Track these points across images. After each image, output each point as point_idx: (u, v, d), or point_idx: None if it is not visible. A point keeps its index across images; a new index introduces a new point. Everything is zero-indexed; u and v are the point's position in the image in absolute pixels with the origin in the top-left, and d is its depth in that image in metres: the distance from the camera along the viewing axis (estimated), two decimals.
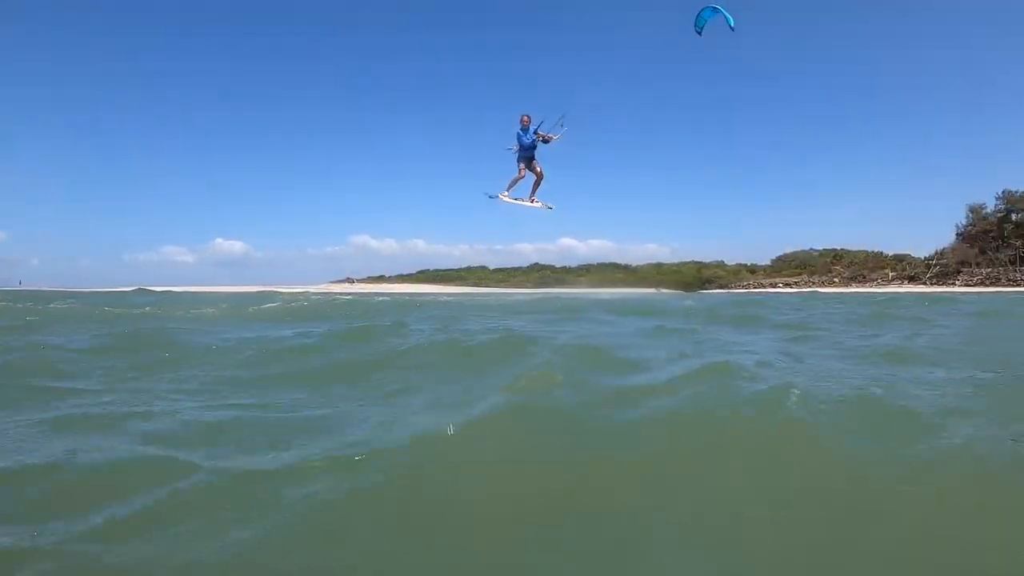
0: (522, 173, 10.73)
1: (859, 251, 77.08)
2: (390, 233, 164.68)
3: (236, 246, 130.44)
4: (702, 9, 9.17)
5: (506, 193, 10.98)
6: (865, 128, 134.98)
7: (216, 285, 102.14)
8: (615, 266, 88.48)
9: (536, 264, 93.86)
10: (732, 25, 8.95)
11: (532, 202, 11.20)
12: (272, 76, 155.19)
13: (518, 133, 10.40)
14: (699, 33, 9.34)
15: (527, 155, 10.56)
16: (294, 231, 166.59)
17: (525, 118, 10.40)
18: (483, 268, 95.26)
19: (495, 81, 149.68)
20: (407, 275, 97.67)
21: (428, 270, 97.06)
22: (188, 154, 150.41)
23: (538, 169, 10.78)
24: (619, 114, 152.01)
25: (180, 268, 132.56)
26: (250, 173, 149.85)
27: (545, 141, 10.39)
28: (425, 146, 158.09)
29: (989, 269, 71.20)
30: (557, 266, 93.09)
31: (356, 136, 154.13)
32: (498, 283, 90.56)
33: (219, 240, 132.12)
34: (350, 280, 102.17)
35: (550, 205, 11.34)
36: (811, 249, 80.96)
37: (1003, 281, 69.45)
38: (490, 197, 11.10)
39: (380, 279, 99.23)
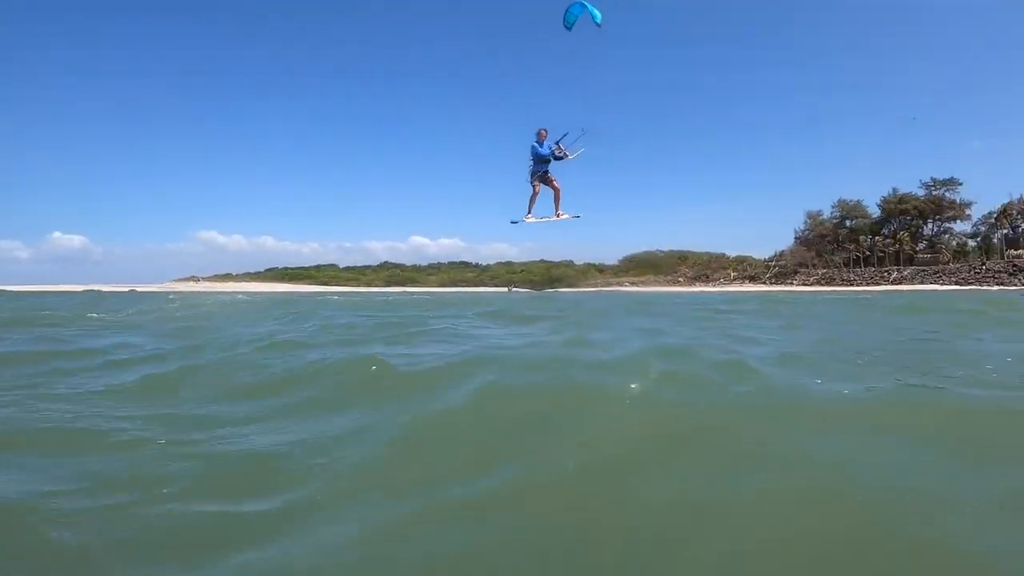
0: (537, 190, 10.46)
1: (703, 252, 76.17)
2: (239, 229, 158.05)
3: (75, 241, 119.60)
4: (571, 5, 8.89)
5: (529, 215, 10.88)
6: (712, 140, 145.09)
7: (51, 283, 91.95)
8: (465, 265, 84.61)
9: (386, 263, 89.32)
10: (598, 22, 8.82)
11: (559, 216, 10.97)
12: (108, 59, 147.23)
13: (534, 145, 10.07)
14: (568, 29, 9.10)
15: (542, 170, 10.23)
16: (138, 225, 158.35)
17: (543, 131, 10.11)
18: (333, 267, 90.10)
19: (344, 69, 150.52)
20: (256, 273, 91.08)
21: (277, 268, 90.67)
22: (20, 140, 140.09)
23: (555, 184, 10.46)
24: (468, 115, 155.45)
25: (14, 265, 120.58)
26: (92, 161, 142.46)
27: (559, 158, 10.02)
28: (277, 137, 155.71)
29: (824, 270, 71.64)
30: (407, 264, 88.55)
31: (204, 125, 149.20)
32: (347, 282, 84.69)
33: (57, 234, 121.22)
34: (196, 278, 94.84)
35: (577, 214, 11.32)
36: (658, 250, 79.83)
37: (837, 281, 70.28)
38: (514, 223, 11.22)
39: (227, 277, 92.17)
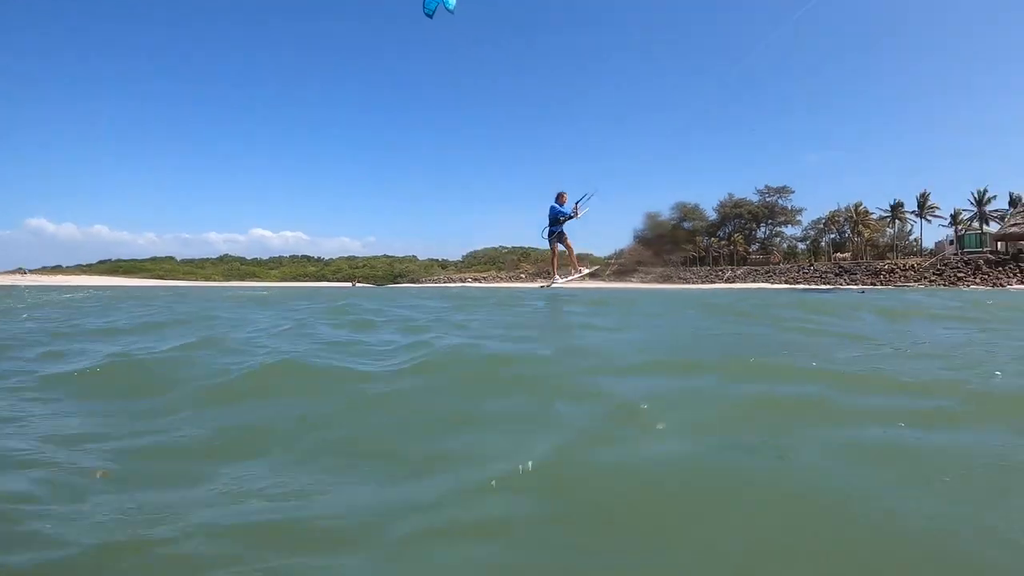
0: (556, 250, 10.94)
1: (545, 249, 74.72)
2: (71, 217, 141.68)
3: None
4: None
5: (559, 279, 11.83)
6: (549, 146, 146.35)
7: None
8: (307, 259, 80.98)
9: (226, 255, 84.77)
10: (451, 8, 8.97)
11: (581, 271, 12.03)
12: None
13: (555, 206, 10.60)
14: (429, 16, 9.19)
15: (559, 230, 10.70)
16: None
17: (563, 195, 10.62)
18: (170, 259, 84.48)
19: (177, 48, 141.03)
20: (88, 265, 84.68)
21: (111, 260, 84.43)
22: None
23: (568, 241, 10.89)
24: (315, 102, 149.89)
25: None
26: None
27: (574, 215, 10.62)
28: (112, 117, 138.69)
29: (663, 268, 71.17)
30: (248, 258, 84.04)
31: (31, 103, 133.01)
32: (185, 276, 79.66)
33: None
34: (21, 271, 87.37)
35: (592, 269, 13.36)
36: (501, 246, 78.35)
37: (674, 279, 69.81)
38: (544, 287, 13.20)
39: (57, 270, 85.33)
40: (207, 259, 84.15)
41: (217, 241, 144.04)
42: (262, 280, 75.62)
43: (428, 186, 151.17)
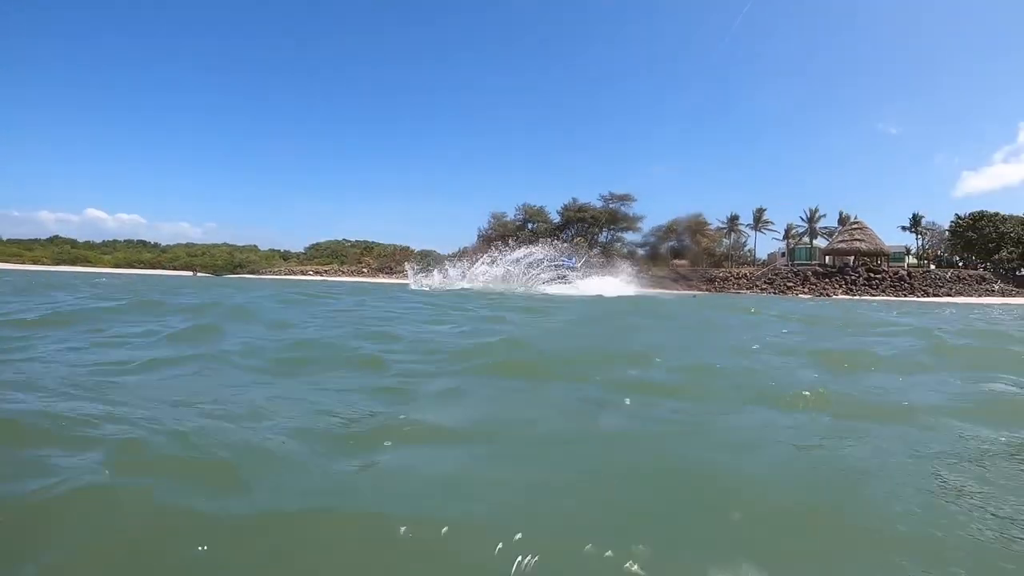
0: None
1: (388, 244, 74.02)
2: None
3: None
4: None
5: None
6: (396, 139, 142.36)
7: None
8: (144, 244, 77.38)
9: (56, 237, 79.99)
10: None
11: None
12: None
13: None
14: None
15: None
16: None
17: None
18: None
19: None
20: None
21: None
22: None
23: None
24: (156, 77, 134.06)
25: None
26: None
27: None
28: None
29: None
30: (80, 240, 79.57)
31: None
32: (10, 258, 74.80)
33: None
34: None
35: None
36: (344, 240, 76.90)
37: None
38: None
39: None
40: (36, 240, 78.95)
41: (49, 221, 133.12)
42: (95, 265, 71.67)
43: (274, 172, 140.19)
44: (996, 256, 65.92)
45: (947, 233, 70.25)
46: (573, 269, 24.60)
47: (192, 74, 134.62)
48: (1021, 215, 68.21)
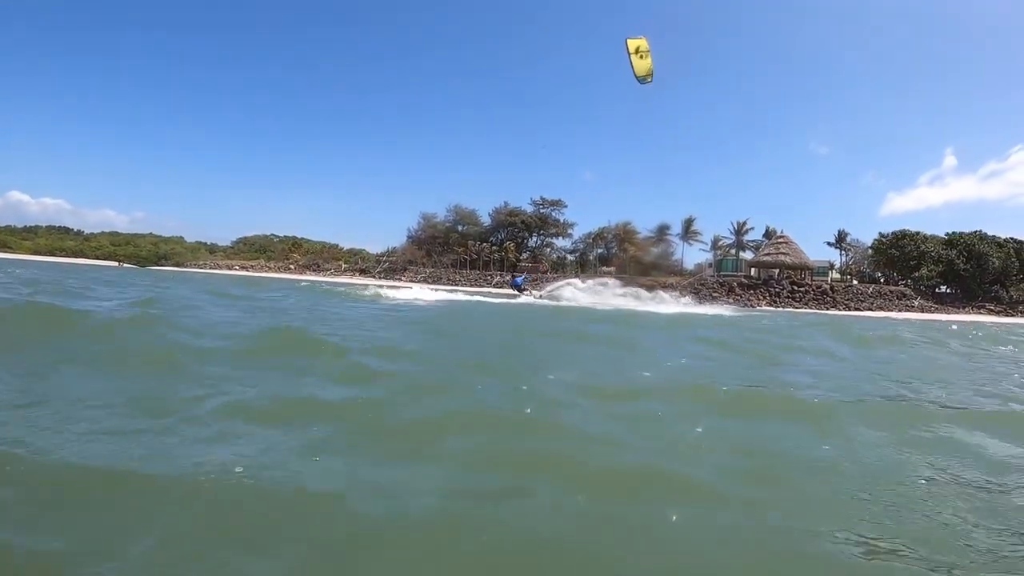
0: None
1: (317, 241, 73.62)
2: None
3: None
4: None
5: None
6: (326, 136, 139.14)
7: None
8: (67, 231, 76.04)
9: None
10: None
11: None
12: None
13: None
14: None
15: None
16: None
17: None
18: None
19: None
20: None
21: None
22: None
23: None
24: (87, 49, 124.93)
25: None
26: None
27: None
28: None
29: (432, 269, 70.53)
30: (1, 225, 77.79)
31: None
32: None
33: None
34: None
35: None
36: (272, 235, 76.38)
37: (443, 280, 68.97)
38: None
39: None
40: None
41: None
42: (14, 251, 70.35)
43: (204, 161, 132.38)
44: (916, 273, 66.81)
45: (870, 250, 71.26)
46: (518, 287, 29.56)
47: (125, 59, 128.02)
48: (942, 235, 69.56)
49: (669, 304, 30.03)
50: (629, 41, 12.41)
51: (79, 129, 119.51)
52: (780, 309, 57.16)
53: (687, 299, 38.87)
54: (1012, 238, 68.78)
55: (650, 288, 67.51)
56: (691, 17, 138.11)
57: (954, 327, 26.18)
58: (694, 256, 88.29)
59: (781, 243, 68.72)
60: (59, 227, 76.91)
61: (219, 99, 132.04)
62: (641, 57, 12.38)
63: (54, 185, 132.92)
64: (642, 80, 12.84)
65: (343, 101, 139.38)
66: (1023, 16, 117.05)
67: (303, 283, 36.47)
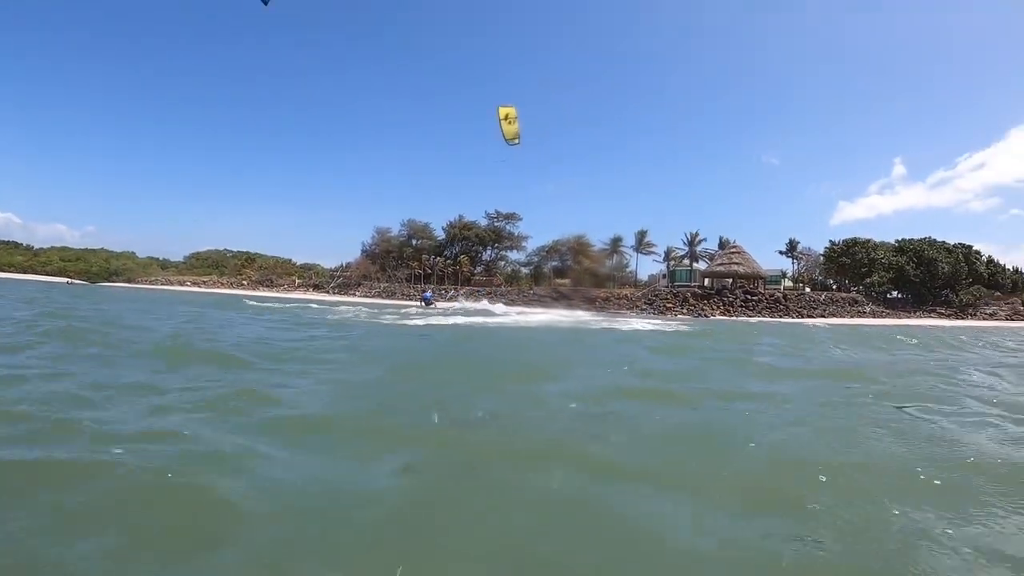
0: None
1: (271, 256, 73.38)
2: None
3: None
4: None
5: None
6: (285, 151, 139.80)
7: None
8: (16, 246, 75.32)
9: None
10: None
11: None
12: None
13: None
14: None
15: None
16: None
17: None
18: None
19: None
20: None
21: None
22: None
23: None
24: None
25: None
26: None
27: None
28: None
29: (386, 284, 70.36)
30: None
31: None
32: None
33: None
34: None
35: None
36: (226, 250, 76.10)
37: (398, 296, 68.74)
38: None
39: None
40: None
41: None
42: None
43: (156, 175, 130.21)
44: (868, 280, 67.15)
45: (822, 258, 71.70)
46: (428, 301, 33.90)
47: (77, 70, 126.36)
48: (892, 242, 70.23)
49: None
50: (500, 108, 14.12)
51: (26, 140, 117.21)
52: (735, 318, 57.12)
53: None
54: (961, 244, 69.50)
55: (605, 299, 67.67)
56: (645, 46, 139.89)
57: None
58: (648, 267, 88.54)
59: (734, 253, 69.01)
60: (8, 242, 76.32)
61: (171, 111, 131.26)
62: (510, 123, 14.01)
63: (2, 198, 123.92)
64: (510, 142, 14.38)
65: (291, 114, 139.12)
66: (968, 30, 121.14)
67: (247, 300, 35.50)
